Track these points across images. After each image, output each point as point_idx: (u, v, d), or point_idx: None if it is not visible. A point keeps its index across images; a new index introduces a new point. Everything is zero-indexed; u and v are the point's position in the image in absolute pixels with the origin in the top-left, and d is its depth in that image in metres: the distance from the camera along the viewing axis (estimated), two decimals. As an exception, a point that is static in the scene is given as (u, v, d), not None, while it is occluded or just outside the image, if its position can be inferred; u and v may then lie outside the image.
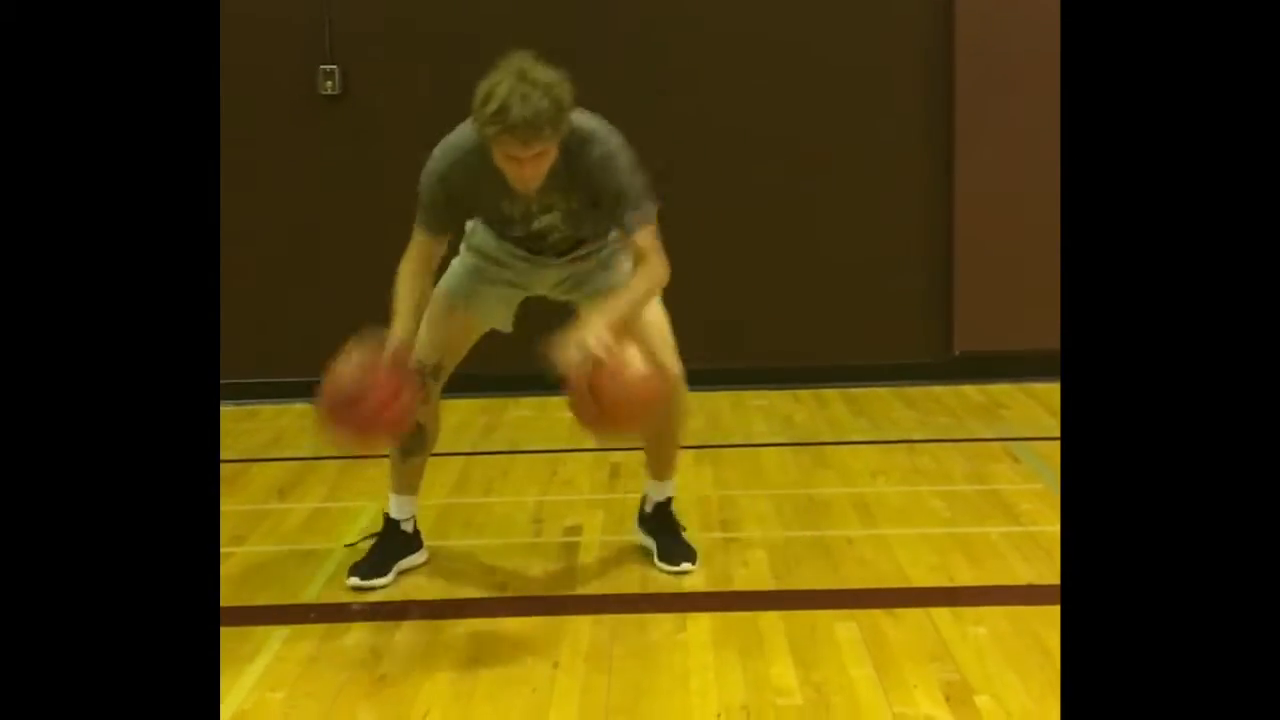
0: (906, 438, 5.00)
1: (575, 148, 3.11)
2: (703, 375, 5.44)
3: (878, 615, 3.23)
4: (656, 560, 3.62)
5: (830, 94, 5.83)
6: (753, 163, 5.86)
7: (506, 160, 3.03)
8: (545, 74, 2.96)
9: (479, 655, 3.08)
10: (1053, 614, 3.07)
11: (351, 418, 3.06)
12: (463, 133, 3.18)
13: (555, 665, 3.01)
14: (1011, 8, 5.70)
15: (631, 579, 3.57)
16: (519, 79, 2.92)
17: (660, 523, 3.69)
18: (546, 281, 3.49)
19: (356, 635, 3.23)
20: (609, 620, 3.27)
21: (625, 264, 3.38)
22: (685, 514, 3.83)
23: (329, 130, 5.84)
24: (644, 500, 3.75)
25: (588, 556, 3.75)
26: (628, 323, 3.15)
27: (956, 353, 5.93)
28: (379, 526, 3.65)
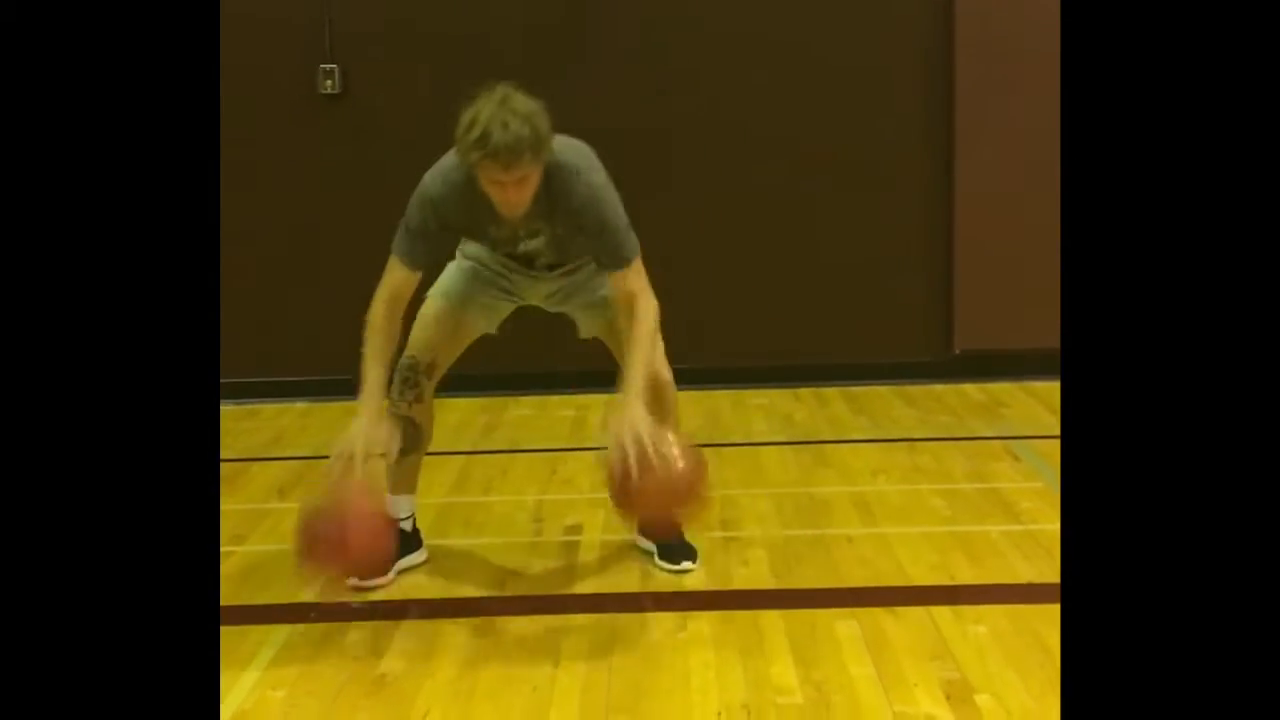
0: (907, 436, 5.00)
1: (560, 181, 3.18)
2: (702, 374, 5.48)
3: (878, 614, 3.23)
4: (657, 559, 3.62)
5: (831, 93, 5.83)
6: (753, 162, 5.86)
7: (491, 185, 3.10)
8: (525, 103, 3.05)
9: (479, 654, 3.09)
10: (1053, 612, 3.07)
11: (337, 562, 3.09)
12: (452, 160, 3.22)
13: (556, 664, 3.01)
14: (1012, 8, 5.70)
15: (632, 578, 3.57)
16: (500, 106, 3.01)
17: (661, 523, 3.70)
18: (539, 293, 3.54)
19: (357, 634, 3.23)
20: (609, 619, 3.27)
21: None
22: (685, 513, 3.83)
23: (329, 130, 5.84)
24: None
25: (588, 555, 3.76)
26: (654, 385, 3.28)
27: (957, 351, 5.93)
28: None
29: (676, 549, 3.61)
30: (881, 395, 5.67)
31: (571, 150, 3.23)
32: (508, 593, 3.51)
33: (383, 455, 3.29)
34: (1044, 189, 5.00)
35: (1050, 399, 5.38)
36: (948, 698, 2.80)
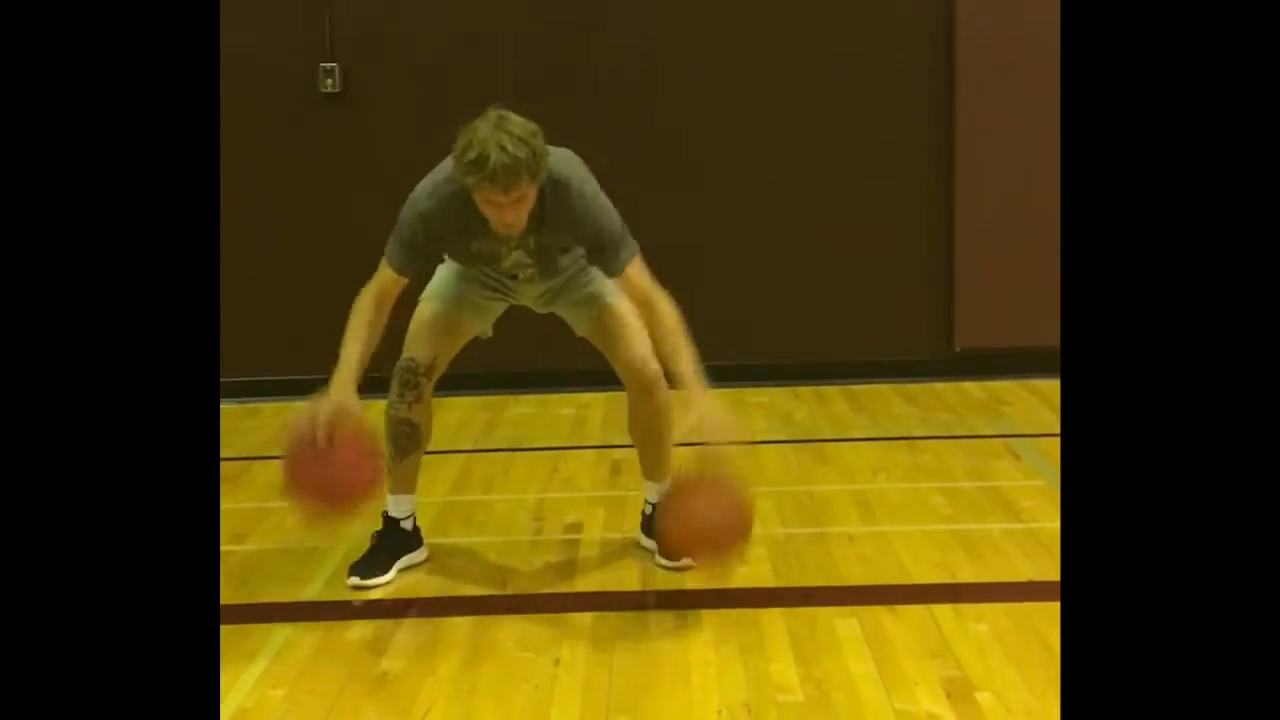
0: (907, 434, 5.00)
1: (553, 196, 3.22)
2: (702, 372, 5.46)
3: (879, 612, 3.23)
4: (657, 557, 3.62)
5: (831, 93, 5.83)
6: (753, 161, 5.86)
7: (487, 205, 3.14)
8: (521, 124, 3.08)
9: (480, 652, 3.09)
10: (1054, 611, 3.07)
11: (322, 497, 3.19)
12: (445, 172, 3.24)
13: (556, 662, 3.01)
14: (1012, 7, 5.70)
15: (632, 576, 3.57)
16: (496, 128, 3.04)
17: (661, 522, 3.70)
18: (527, 295, 3.57)
19: (358, 633, 3.23)
20: (610, 617, 3.27)
21: (595, 270, 3.48)
22: (686, 511, 3.83)
23: (329, 129, 5.84)
24: (645, 505, 3.76)
25: (588, 554, 3.75)
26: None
27: (957, 349, 5.93)
28: (379, 524, 3.65)
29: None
30: (882, 393, 5.67)
31: (562, 162, 3.25)
32: (509, 591, 3.51)
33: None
34: (1044, 187, 5.01)
35: (1051, 397, 5.38)
36: (948, 696, 2.80)
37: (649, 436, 3.63)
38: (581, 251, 3.48)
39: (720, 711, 2.76)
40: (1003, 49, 5.70)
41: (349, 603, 3.44)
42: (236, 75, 5.15)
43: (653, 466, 3.70)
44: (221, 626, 2.85)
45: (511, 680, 2.93)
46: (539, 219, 3.24)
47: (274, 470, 4.66)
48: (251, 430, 5.33)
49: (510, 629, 3.22)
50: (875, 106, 5.86)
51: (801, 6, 5.81)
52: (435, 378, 3.53)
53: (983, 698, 2.79)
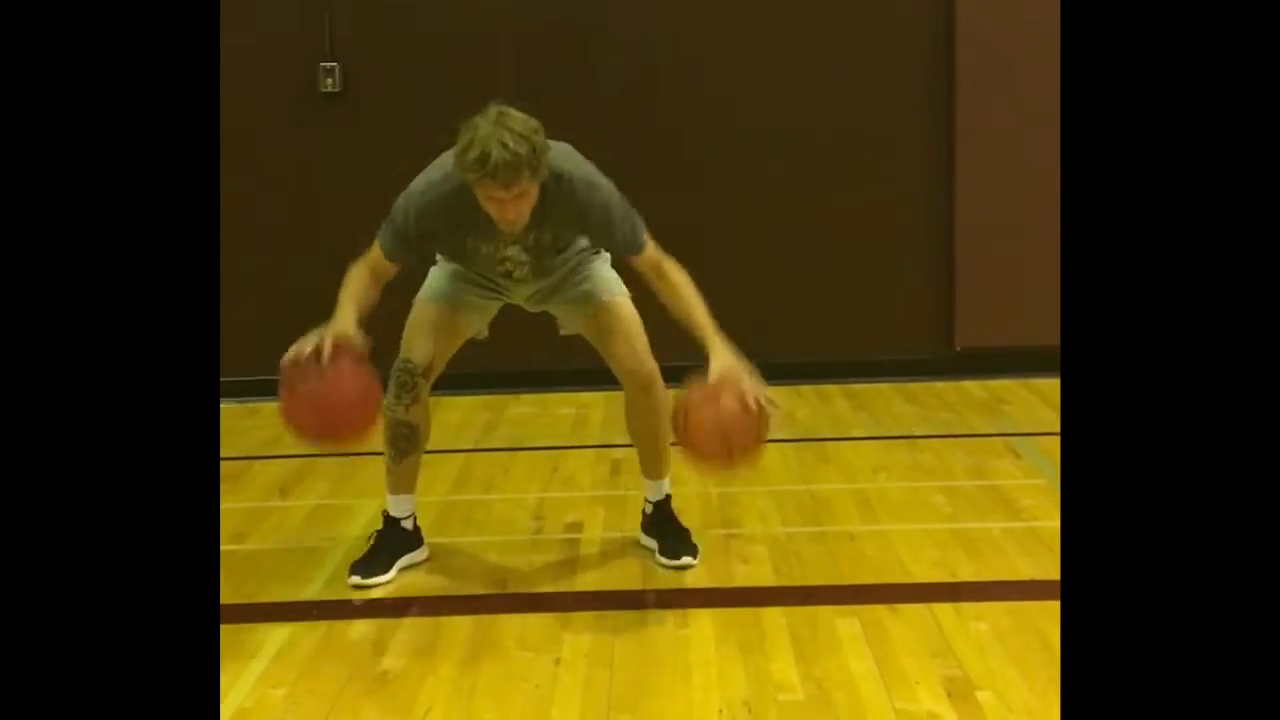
0: (908, 433, 5.00)
1: (555, 190, 3.22)
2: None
3: (879, 611, 3.23)
4: (658, 555, 3.62)
5: (831, 92, 5.83)
6: (754, 161, 5.86)
7: (489, 201, 3.14)
8: (521, 120, 3.09)
9: (481, 652, 3.09)
10: (1054, 609, 3.07)
11: (319, 413, 3.15)
12: (442, 169, 3.26)
13: (557, 662, 3.01)
14: (1012, 7, 5.70)
15: (633, 575, 3.57)
16: (497, 125, 3.05)
17: (661, 521, 3.70)
18: (520, 294, 3.57)
19: (358, 632, 3.23)
20: (611, 617, 3.27)
21: (592, 268, 3.52)
22: (686, 511, 3.83)
23: (329, 128, 5.84)
24: (644, 504, 3.76)
25: (589, 553, 3.76)
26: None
27: (958, 348, 5.93)
28: (379, 524, 3.66)
29: (677, 544, 3.62)
30: (883, 392, 5.67)
31: (560, 156, 3.25)
32: (509, 590, 3.51)
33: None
34: (1044, 187, 5.01)
35: (1051, 395, 5.38)
36: (949, 695, 2.80)
37: (647, 434, 3.63)
38: (578, 249, 3.48)
39: (721, 710, 2.76)
40: (1003, 49, 5.70)
41: (349, 602, 3.44)
42: (236, 75, 5.14)
43: (651, 465, 3.70)
44: (221, 626, 2.85)
45: (512, 679, 2.93)
46: (540, 215, 3.24)
47: (274, 469, 4.70)
48: (251, 430, 5.33)
49: (511, 628, 3.22)
50: (875, 106, 5.86)
51: (801, 7, 5.81)
52: (432, 379, 3.53)
53: (983, 697, 2.79)
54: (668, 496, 3.73)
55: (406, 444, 3.54)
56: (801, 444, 4.89)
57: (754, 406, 3.16)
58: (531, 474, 4.57)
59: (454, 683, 2.93)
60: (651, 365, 3.47)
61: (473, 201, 3.18)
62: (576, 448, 4.91)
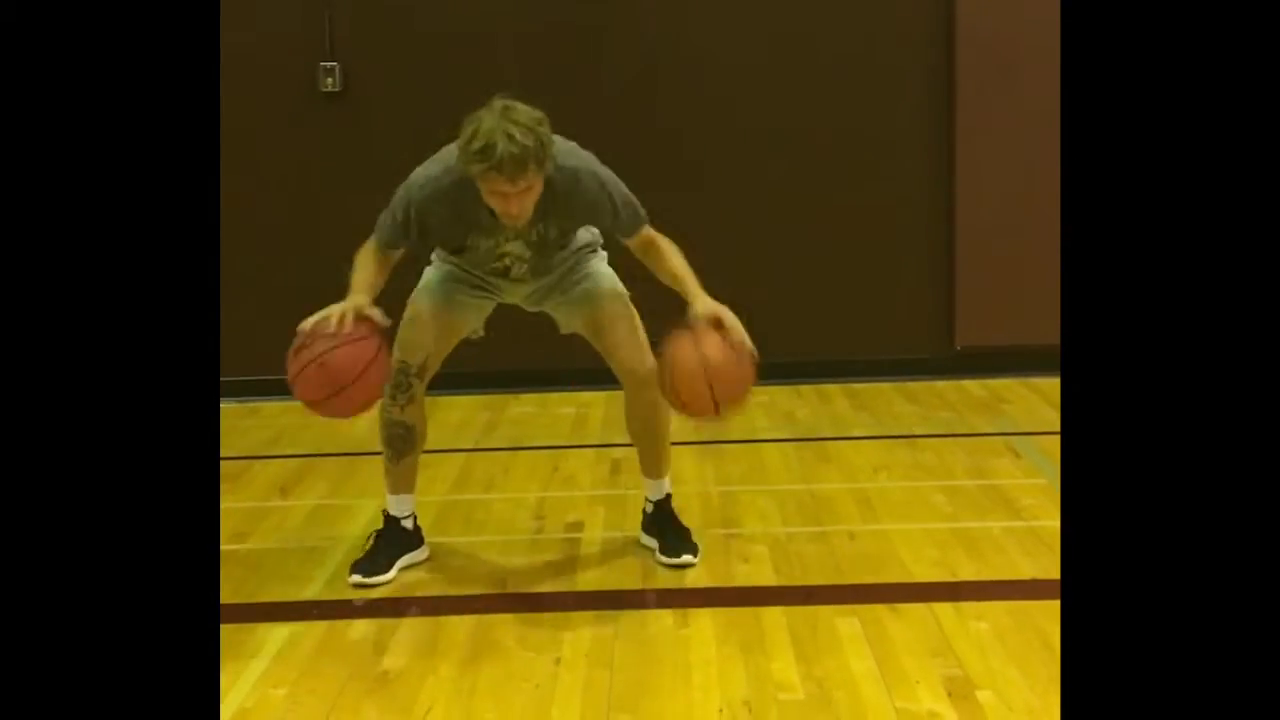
0: (908, 433, 5.00)
1: (561, 184, 3.23)
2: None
3: (880, 610, 3.23)
4: (658, 554, 3.62)
5: (831, 92, 5.83)
6: (754, 159, 5.86)
7: (493, 195, 3.13)
8: (527, 113, 3.08)
9: (481, 652, 3.09)
10: (1055, 609, 3.07)
11: (329, 375, 3.14)
12: (443, 163, 3.25)
13: (557, 661, 3.01)
14: (1012, 7, 5.70)
15: (633, 575, 3.57)
16: (502, 118, 3.04)
17: (661, 520, 3.70)
18: (517, 294, 3.57)
19: (358, 632, 3.23)
20: (611, 616, 3.27)
21: (590, 266, 3.53)
22: (687, 510, 3.83)
23: (329, 128, 5.83)
24: (645, 503, 3.76)
25: (589, 552, 3.76)
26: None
27: (958, 347, 5.93)
28: (380, 523, 3.66)
29: (677, 542, 3.62)
30: (883, 392, 5.67)
31: (565, 152, 3.25)
32: (509, 590, 3.51)
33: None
34: (1044, 187, 5.01)
35: (1051, 395, 5.38)
36: (949, 694, 2.80)
37: (646, 432, 3.63)
38: (575, 246, 3.48)
39: (721, 710, 2.76)
40: (1003, 49, 5.70)
41: (350, 602, 3.44)
42: (236, 75, 5.14)
43: (652, 464, 3.70)
44: (222, 626, 2.86)
45: (512, 679, 2.93)
46: (545, 209, 3.24)
47: (275, 469, 4.70)
48: (251, 430, 5.33)
49: (511, 628, 3.22)
50: (875, 106, 5.85)
51: (801, 7, 5.81)
52: (427, 379, 3.53)
53: (984, 696, 2.79)
54: (668, 496, 3.73)
55: (403, 444, 3.55)
56: (802, 443, 4.90)
57: (735, 347, 3.18)
58: (532, 473, 4.57)
59: (454, 682, 2.93)
60: (651, 362, 3.47)
61: (474, 195, 3.18)
62: (577, 447, 4.91)
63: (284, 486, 4.50)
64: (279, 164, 5.84)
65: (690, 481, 4.11)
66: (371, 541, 3.63)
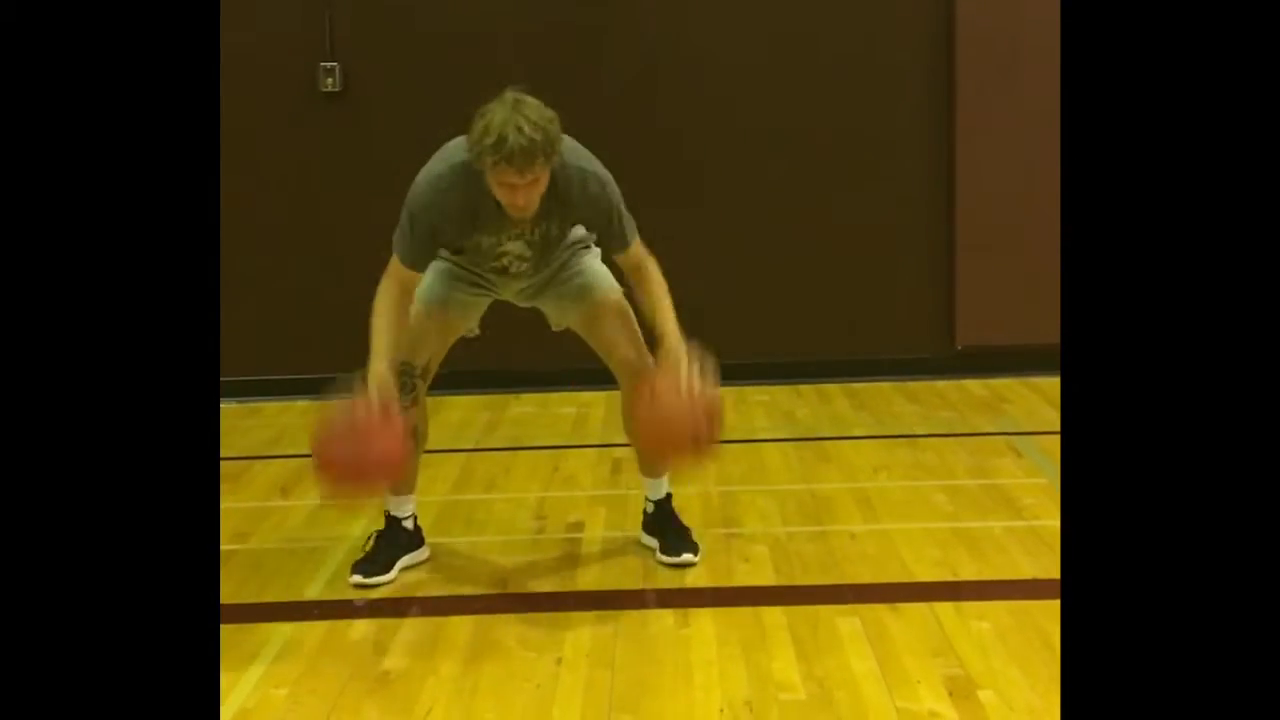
0: (909, 432, 5.00)
1: (566, 180, 3.24)
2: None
3: (880, 610, 3.23)
4: (659, 554, 3.62)
5: (832, 92, 5.83)
6: (755, 159, 5.86)
7: (501, 188, 3.15)
8: (537, 107, 3.12)
9: (482, 652, 3.09)
10: (1056, 608, 3.07)
11: (355, 468, 3.15)
12: (446, 160, 3.25)
13: (558, 661, 3.01)
14: (1012, 7, 5.70)
15: (634, 575, 3.57)
16: (513, 111, 3.07)
17: (662, 520, 3.70)
18: (511, 289, 3.57)
19: (359, 632, 3.24)
20: (612, 616, 3.27)
21: (584, 262, 3.53)
22: (687, 510, 3.83)
23: (329, 128, 5.84)
24: (645, 503, 3.77)
25: (590, 552, 3.76)
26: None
27: (959, 347, 5.93)
28: (380, 524, 3.66)
29: (677, 541, 3.62)
30: (883, 391, 5.67)
31: (571, 151, 3.25)
32: (510, 590, 3.51)
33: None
34: (1044, 185, 5.01)
35: (1052, 394, 5.37)
36: (950, 694, 2.80)
37: None
38: (569, 243, 3.48)
39: (722, 710, 2.76)
40: (1003, 49, 5.70)
41: (351, 602, 3.44)
42: (236, 75, 5.14)
43: (651, 463, 3.70)
44: (223, 626, 2.86)
45: (513, 679, 2.93)
46: (549, 207, 3.25)
47: (275, 469, 4.70)
48: (251, 430, 5.33)
49: (512, 628, 3.22)
50: (875, 106, 5.85)
51: (801, 7, 5.81)
52: (429, 379, 3.54)
53: (985, 696, 2.79)
54: (668, 495, 3.73)
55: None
56: (802, 443, 4.90)
57: (690, 395, 3.16)
58: (532, 473, 4.57)
59: (455, 682, 2.93)
60: (648, 357, 3.47)
61: (480, 189, 3.18)
62: (577, 447, 4.91)
63: (285, 486, 4.50)
64: (279, 164, 5.84)
65: (691, 481, 4.11)
66: (372, 542, 3.63)
